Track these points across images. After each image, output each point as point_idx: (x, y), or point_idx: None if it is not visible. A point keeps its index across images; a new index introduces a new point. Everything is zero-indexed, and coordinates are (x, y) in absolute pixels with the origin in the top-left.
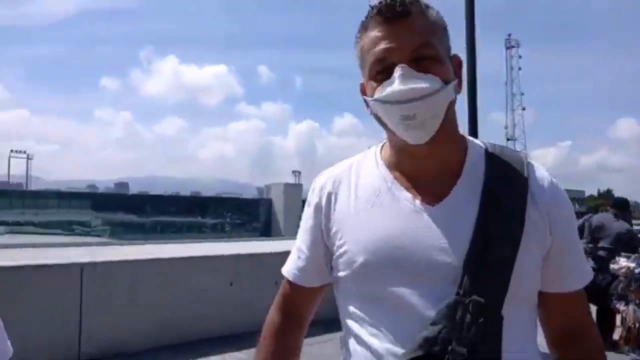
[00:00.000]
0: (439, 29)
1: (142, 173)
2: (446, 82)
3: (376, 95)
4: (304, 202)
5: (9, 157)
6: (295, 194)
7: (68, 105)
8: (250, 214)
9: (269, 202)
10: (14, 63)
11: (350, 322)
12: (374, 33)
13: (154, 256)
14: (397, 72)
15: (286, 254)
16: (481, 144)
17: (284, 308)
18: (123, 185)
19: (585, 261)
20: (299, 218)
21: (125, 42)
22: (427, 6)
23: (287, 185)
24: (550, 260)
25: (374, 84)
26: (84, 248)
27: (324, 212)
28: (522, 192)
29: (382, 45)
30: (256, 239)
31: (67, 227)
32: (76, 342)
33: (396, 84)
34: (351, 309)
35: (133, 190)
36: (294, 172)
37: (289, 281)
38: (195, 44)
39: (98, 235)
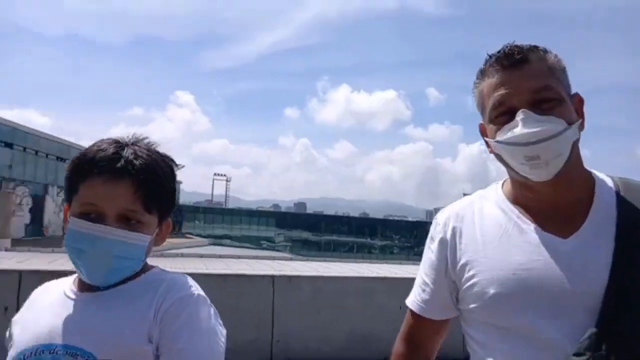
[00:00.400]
0: (558, 72)
1: (317, 194)
2: (569, 122)
3: (498, 138)
4: None
5: (213, 180)
6: None
7: (258, 134)
8: (418, 237)
9: None
10: (217, 100)
11: (480, 351)
12: (493, 80)
13: (335, 274)
14: (520, 116)
15: None
16: (608, 179)
17: (409, 340)
18: (301, 205)
19: None
20: None
21: (305, 75)
22: (546, 51)
23: None
24: None
25: (494, 127)
26: (273, 261)
27: (450, 246)
28: None
29: (502, 91)
30: None
31: (256, 242)
32: (269, 346)
33: (519, 128)
34: (481, 339)
35: (309, 210)
36: (465, 194)
37: (413, 313)
38: (366, 71)
39: (279, 250)
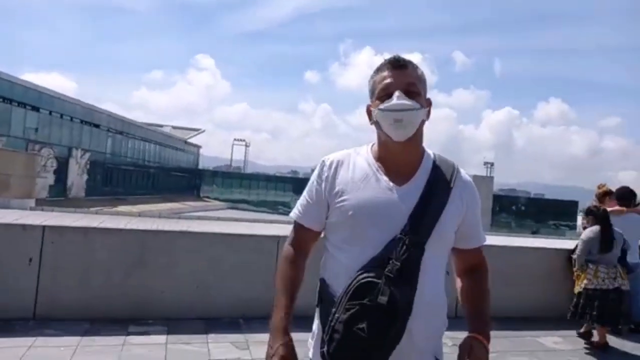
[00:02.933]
0: (422, 79)
1: None
2: (422, 107)
3: (380, 107)
4: (494, 196)
5: (232, 145)
6: (485, 187)
7: (278, 99)
8: None
9: None
10: (239, 63)
11: (331, 249)
12: (385, 73)
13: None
14: (396, 94)
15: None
16: (432, 153)
17: (294, 243)
18: None
19: (482, 231)
20: (489, 212)
21: (327, 38)
22: (416, 66)
23: (476, 177)
24: (462, 227)
25: (378, 102)
26: (281, 225)
27: (330, 180)
28: (449, 183)
29: (389, 80)
30: None
31: (272, 206)
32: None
33: (395, 100)
34: (335, 241)
35: None
36: (485, 163)
37: (297, 223)
38: (391, 35)
39: None
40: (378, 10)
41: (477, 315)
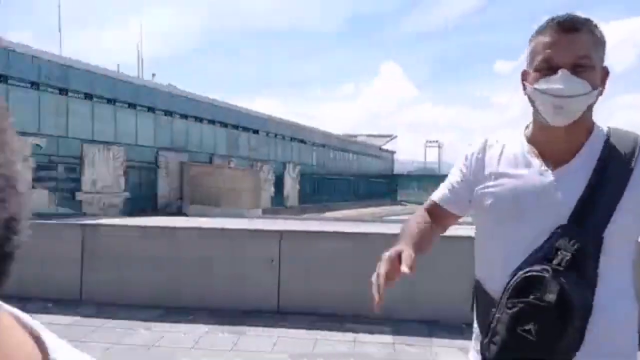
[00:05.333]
0: (600, 45)
1: None
2: (594, 88)
3: (536, 86)
4: None
5: (425, 147)
6: None
7: (467, 95)
8: None
9: None
10: (422, 63)
11: (479, 243)
12: (549, 38)
13: None
14: (559, 74)
15: None
16: (605, 129)
17: (428, 210)
18: None
19: None
20: None
21: (515, 23)
22: (596, 26)
23: None
24: None
25: (537, 75)
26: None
27: (474, 164)
28: (629, 162)
29: (553, 49)
30: None
31: None
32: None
33: (557, 83)
34: (481, 233)
35: None
36: None
37: (436, 203)
38: (598, 2)
39: None
40: None
41: None
